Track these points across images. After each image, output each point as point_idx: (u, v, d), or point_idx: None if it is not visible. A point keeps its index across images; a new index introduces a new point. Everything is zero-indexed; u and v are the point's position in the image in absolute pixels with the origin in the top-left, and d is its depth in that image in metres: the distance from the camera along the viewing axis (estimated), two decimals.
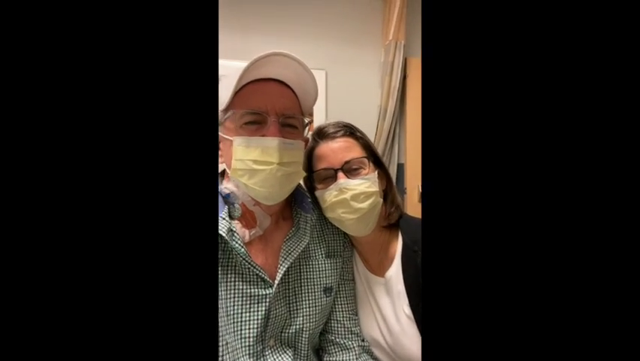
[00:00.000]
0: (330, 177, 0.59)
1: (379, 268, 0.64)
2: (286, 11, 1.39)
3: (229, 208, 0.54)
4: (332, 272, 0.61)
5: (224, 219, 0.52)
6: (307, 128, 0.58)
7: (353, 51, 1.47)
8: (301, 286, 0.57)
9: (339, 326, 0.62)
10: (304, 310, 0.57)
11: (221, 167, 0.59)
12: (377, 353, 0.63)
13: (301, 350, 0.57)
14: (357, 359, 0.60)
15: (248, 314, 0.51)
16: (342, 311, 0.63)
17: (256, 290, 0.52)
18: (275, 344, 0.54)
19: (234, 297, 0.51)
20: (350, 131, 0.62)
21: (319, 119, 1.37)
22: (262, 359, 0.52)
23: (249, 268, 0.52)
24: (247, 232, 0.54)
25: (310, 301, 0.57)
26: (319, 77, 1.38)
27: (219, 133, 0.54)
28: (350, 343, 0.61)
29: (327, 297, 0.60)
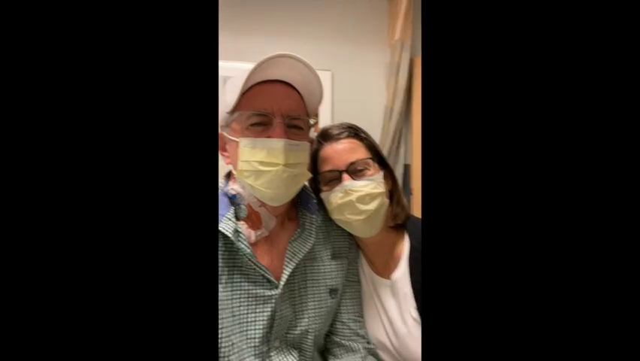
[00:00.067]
0: (336, 178, 0.59)
1: (385, 270, 0.64)
2: (292, 12, 1.39)
3: (235, 209, 0.55)
4: (337, 273, 0.61)
5: (230, 220, 0.52)
6: (313, 129, 0.58)
7: (359, 51, 1.47)
8: (306, 288, 0.57)
9: (344, 327, 0.62)
10: (309, 311, 0.57)
11: (227, 168, 0.59)
12: (383, 355, 0.63)
13: (306, 351, 0.56)
14: None
15: (254, 315, 0.52)
16: (348, 313, 0.63)
17: (262, 291, 0.52)
18: (280, 345, 0.54)
19: (240, 297, 0.51)
20: (354, 132, 0.62)
21: (325, 120, 1.37)
22: (268, 360, 0.52)
23: (254, 269, 0.52)
24: (253, 232, 0.55)
25: (315, 303, 0.57)
26: (325, 78, 1.37)
27: (226, 134, 0.54)
28: (355, 345, 0.61)
29: (332, 298, 0.59)
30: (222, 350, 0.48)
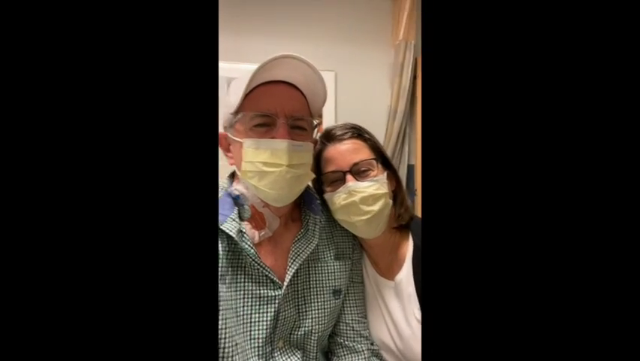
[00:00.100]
0: (339, 179, 0.59)
1: (389, 271, 0.64)
2: (295, 13, 1.40)
3: (239, 210, 0.55)
4: (341, 274, 0.61)
5: (234, 220, 0.52)
6: (316, 129, 0.58)
7: (363, 52, 1.47)
8: (310, 288, 0.57)
9: (348, 328, 0.62)
10: (313, 312, 0.57)
11: (232, 169, 0.59)
12: (387, 357, 0.63)
13: (310, 352, 0.56)
14: None
15: (257, 315, 0.52)
16: (351, 314, 0.62)
17: (265, 291, 0.52)
18: (284, 345, 0.54)
19: (244, 298, 0.51)
20: (358, 132, 0.62)
21: (329, 120, 1.37)
22: (271, 360, 0.52)
23: (258, 269, 0.52)
24: (257, 233, 0.55)
25: (319, 304, 0.57)
26: (329, 78, 1.38)
27: (230, 135, 0.54)
28: (359, 346, 0.61)
29: (335, 299, 0.59)
30: (226, 350, 0.48)
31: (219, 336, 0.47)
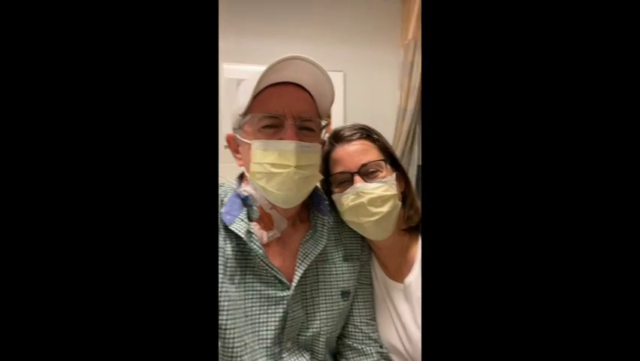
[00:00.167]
0: (347, 180, 0.59)
1: (398, 274, 0.63)
2: (303, 14, 1.40)
3: (247, 210, 0.55)
4: (349, 276, 0.61)
5: (242, 220, 0.53)
6: (324, 130, 0.58)
7: (371, 52, 1.46)
8: (318, 290, 0.57)
9: (356, 331, 0.61)
10: (321, 313, 0.56)
11: (240, 170, 0.60)
12: (396, 360, 0.62)
13: (318, 353, 0.56)
14: None
15: (266, 316, 0.52)
16: (360, 316, 0.62)
17: (274, 292, 0.53)
18: (292, 346, 0.54)
19: (252, 298, 0.52)
20: (367, 133, 0.62)
21: (337, 121, 1.36)
22: None
23: (266, 270, 0.52)
24: (265, 233, 0.55)
25: (327, 305, 0.57)
26: (337, 78, 1.37)
27: (238, 136, 0.55)
28: (368, 349, 0.60)
29: (344, 301, 0.59)
30: (235, 349, 0.48)
31: (229, 336, 0.48)
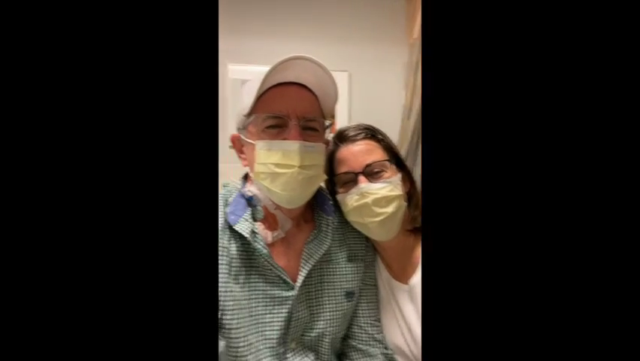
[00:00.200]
0: (351, 180, 0.58)
1: (403, 275, 0.62)
2: (309, 14, 1.40)
3: (252, 210, 0.55)
4: (354, 276, 0.60)
5: (247, 220, 0.53)
6: (328, 130, 0.58)
7: (376, 51, 1.45)
8: (323, 290, 0.57)
9: (361, 332, 0.61)
10: (326, 314, 0.56)
11: (245, 170, 0.60)
12: None
13: (323, 354, 0.56)
14: None
15: (270, 316, 0.52)
16: (365, 317, 0.62)
17: (278, 292, 0.53)
18: (297, 347, 0.54)
19: (257, 298, 0.52)
20: (371, 133, 0.61)
21: (342, 121, 1.36)
22: None
23: (271, 270, 0.53)
24: (269, 233, 0.55)
25: (332, 306, 0.57)
26: (342, 78, 1.37)
27: (243, 137, 0.55)
28: (373, 350, 0.60)
29: (348, 302, 0.59)
30: (240, 349, 0.48)
31: (234, 335, 0.48)
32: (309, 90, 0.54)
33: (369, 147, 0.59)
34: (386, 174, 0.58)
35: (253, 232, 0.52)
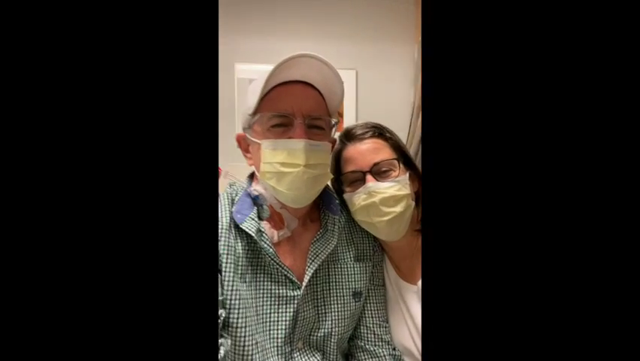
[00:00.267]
0: (359, 179, 0.58)
1: (411, 275, 0.61)
2: (316, 13, 1.39)
3: (258, 209, 0.55)
4: (361, 276, 0.60)
5: (253, 219, 0.53)
6: (335, 128, 0.57)
7: (384, 49, 1.44)
8: (329, 290, 0.57)
9: (368, 332, 0.60)
10: (333, 314, 0.56)
11: (250, 169, 0.60)
12: None
13: (330, 354, 0.56)
14: None
15: (276, 315, 0.52)
16: (372, 318, 0.61)
17: (285, 291, 0.52)
18: (303, 346, 0.54)
19: (263, 297, 0.52)
20: (379, 132, 0.60)
21: (350, 119, 1.35)
22: (291, 360, 0.52)
23: (277, 269, 0.52)
24: (276, 232, 0.55)
25: (339, 306, 0.57)
26: (350, 76, 1.36)
27: (248, 136, 0.55)
28: (380, 350, 0.59)
29: (356, 302, 0.58)
30: (246, 348, 0.48)
31: (240, 334, 0.48)
32: (315, 88, 0.53)
33: (376, 146, 0.59)
34: (394, 173, 0.57)
35: (259, 231, 0.52)
